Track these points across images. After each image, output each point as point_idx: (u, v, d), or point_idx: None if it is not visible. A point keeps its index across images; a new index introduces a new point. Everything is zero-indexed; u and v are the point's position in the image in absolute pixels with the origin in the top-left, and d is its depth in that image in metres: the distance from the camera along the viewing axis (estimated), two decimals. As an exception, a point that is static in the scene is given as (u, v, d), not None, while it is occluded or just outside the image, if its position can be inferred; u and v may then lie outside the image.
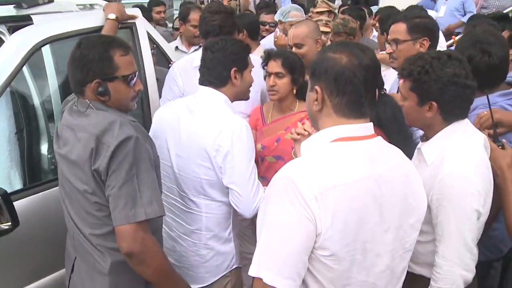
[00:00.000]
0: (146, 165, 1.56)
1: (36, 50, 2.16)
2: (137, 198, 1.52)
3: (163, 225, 1.95)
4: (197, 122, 1.87)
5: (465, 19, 5.21)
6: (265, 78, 2.40)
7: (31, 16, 2.52)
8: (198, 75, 2.38)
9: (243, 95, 2.02)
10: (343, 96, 1.23)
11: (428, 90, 1.58)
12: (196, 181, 1.90)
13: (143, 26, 2.55)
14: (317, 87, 1.26)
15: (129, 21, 2.49)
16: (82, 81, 1.62)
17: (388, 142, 1.36)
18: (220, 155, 1.81)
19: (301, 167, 1.19)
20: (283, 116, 2.40)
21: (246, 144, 1.83)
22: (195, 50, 3.60)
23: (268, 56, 2.38)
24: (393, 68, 2.38)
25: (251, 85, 2.03)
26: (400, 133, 1.73)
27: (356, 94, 1.24)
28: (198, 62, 2.38)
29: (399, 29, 2.31)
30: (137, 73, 1.71)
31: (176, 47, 3.85)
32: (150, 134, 2.07)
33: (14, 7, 2.65)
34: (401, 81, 1.69)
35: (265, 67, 2.38)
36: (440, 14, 5.71)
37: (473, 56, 1.93)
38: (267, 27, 4.38)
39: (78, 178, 1.61)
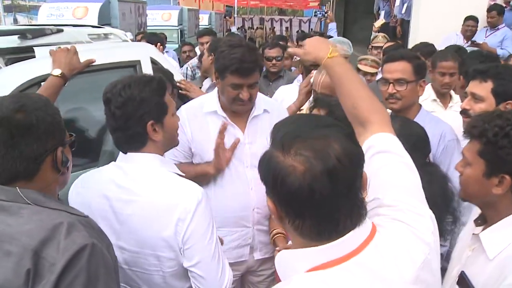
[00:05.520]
0: (105, 283, 1.16)
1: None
2: None
3: None
4: (140, 203, 1.47)
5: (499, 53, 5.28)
6: None
7: (33, 48, 2.33)
8: (209, 123, 2.11)
9: (170, 145, 1.63)
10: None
11: (504, 159, 1.25)
12: (157, 276, 1.53)
13: (148, 65, 2.32)
14: None
15: (133, 59, 2.26)
16: (40, 155, 1.20)
17: None
18: (179, 236, 1.45)
19: None
20: None
21: (205, 216, 1.47)
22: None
23: (315, 104, 2.13)
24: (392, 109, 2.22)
25: (177, 128, 1.62)
26: (448, 211, 1.40)
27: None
28: (209, 108, 2.12)
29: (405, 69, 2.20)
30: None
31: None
32: None
33: (18, 37, 2.48)
34: (467, 142, 1.37)
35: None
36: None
37: None
38: (273, 61, 4.16)
39: None
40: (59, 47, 2.18)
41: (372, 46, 4.87)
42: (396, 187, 1.06)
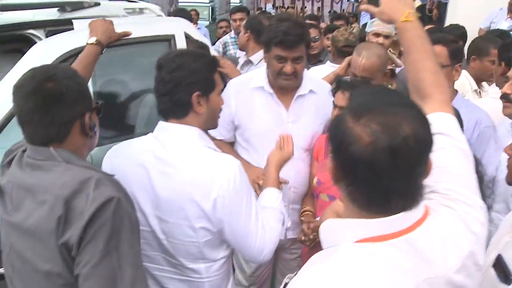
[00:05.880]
0: (128, 235, 1.24)
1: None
2: (117, 280, 1.20)
3: None
4: (177, 176, 1.49)
5: None
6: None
7: (72, 20, 2.39)
8: (255, 98, 2.12)
9: (210, 125, 1.63)
10: None
11: None
12: (193, 246, 1.56)
13: (183, 39, 2.34)
14: None
15: (168, 33, 2.27)
16: (69, 120, 1.29)
17: None
18: (216, 211, 1.48)
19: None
20: None
21: (241, 191, 1.49)
22: (244, 62, 3.36)
23: (337, 86, 2.07)
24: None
25: (220, 110, 1.64)
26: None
27: None
28: (256, 83, 2.14)
29: None
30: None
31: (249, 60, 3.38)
32: None
33: (58, 10, 2.54)
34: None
35: (334, 97, 2.05)
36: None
37: None
38: (310, 43, 4.09)
39: (38, 255, 1.25)
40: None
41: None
42: (449, 174, 1.04)
